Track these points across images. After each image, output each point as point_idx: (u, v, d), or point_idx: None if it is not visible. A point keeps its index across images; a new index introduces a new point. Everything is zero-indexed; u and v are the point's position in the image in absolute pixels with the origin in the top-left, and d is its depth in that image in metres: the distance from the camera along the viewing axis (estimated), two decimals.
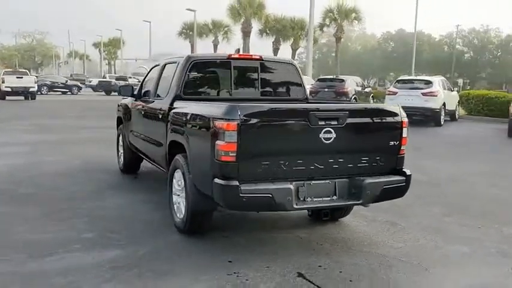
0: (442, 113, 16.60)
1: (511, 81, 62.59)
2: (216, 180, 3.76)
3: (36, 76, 33.81)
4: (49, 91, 38.30)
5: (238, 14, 42.08)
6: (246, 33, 42.71)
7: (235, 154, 3.71)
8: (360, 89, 22.40)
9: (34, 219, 5.05)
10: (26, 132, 12.59)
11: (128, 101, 7.01)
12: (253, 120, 3.76)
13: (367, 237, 4.70)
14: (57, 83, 40.68)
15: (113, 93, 41.42)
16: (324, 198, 4.04)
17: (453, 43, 68.68)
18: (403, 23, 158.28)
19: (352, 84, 21.40)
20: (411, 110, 12.54)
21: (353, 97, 20.49)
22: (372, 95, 24.78)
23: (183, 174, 4.42)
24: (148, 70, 6.84)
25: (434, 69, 57.20)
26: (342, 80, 21.10)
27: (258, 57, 5.56)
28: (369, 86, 29.70)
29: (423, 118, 15.89)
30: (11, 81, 26.49)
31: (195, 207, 4.32)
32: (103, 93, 41.90)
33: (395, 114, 4.27)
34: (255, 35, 43.93)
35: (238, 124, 3.68)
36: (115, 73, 65.06)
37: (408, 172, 4.31)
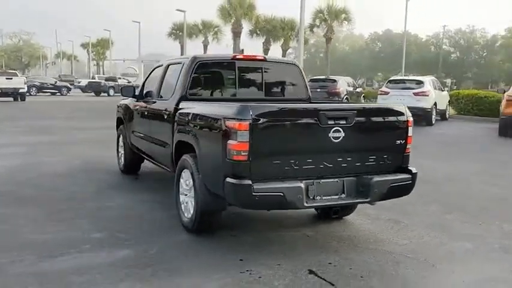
0: (434, 112, 16.82)
1: (496, 81, 63.48)
2: (228, 179, 3.81)
3: (25, 77, 33.42)
4: (38, 92, 37.93)
5: (228, 14, 42.09)
6: (236, 34, 42.73)
7: (247, 153, 3.76)
8: (351, 89, 22.58)
9: (39, 220, 5.05)
10: (21, 133, 12.50)
11: (129, 101, 7.02)
12: (265, 120, 3.82)
13: (372, 235, 4.78)
14: (46, 84, 40.30)
15: (102, 94, 41.23)
16: (333, 197, 4.12)
17: (440, 43, 69.43)
18: (389, 23, 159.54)
19: (343, 84, 21.58)
20: None
21: (345, 97, 20.66)
22: (363, 95, 25.01)
23: (192, 174, 4.46)
24: (151, 71, 6.85)
25: (422, 69, 57.82)
26: (334, 81, 21.27)
27: (261, 58, 5.64)
28: (360, 86, 29.92)
29: (415, 118, 15.96)
30: (0, 82, 26.19)
31: (205, 207, 4.37)
32: (92, 94, 41.60)
33: (401, 114, 4.37)
34: (246, 35, 44.00)
35: (250, 124, 3.73)
36: (103, 74, 64.57)
37: (414, 170, 4.41)
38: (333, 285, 3.57)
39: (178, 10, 41.66)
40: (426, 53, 68.61)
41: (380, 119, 4.36)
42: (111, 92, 40.95)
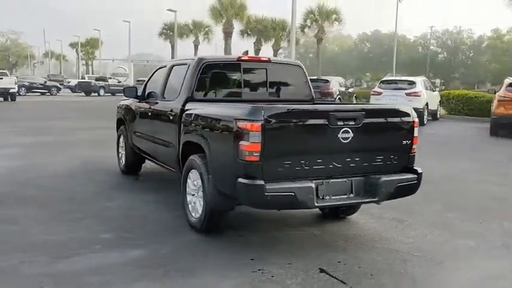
0: (426, 112, 17.02)
1: (483, 81, 64.24)
2: (241, 179, 3.85)
3: (16, 77, 33.09)
4: (28, 92, 37.55)
5: (219, 14, 42.09)
6: (227, 34, 42.74)
7: (259, 154, 3.81)
8: (343, 89, 22.76)
9: (45, 220, 5.05)
10: (17, 134, 12.39)
11: (130, 102, 7.03)
12: (276, 121, 3.87)
13: (377, 234, 4.86)
14: (35, 83, 39.95)
15: (92, 93, 40.96)
16: (342, 196, 4.19)
17: (427, 44, 70.07)
18: (377, 24, 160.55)
19: (336, 84, 21.72)
20: None
21: (337, 97, 20.79)
22: (355, 95, 25.24)
23: (201, 174, 4.49)
24: (153, 71, 6.86)
25: (410, 69, 58.24)
26: (327, 81, 21.39)
27: (266, 59, 5.69)
28: (352, 87, 30.17)
29: None
30: None
31: (214, 207, 4.41)
32: (82, 94, 41.31)
33: (407, 115, 4.45)
34: (237, 35, 44.07)
35: (262, 125, 3.79)
36: (92, 73, 64.10)
37: (420, 170, 4.49)
38: (344, 283, 3.64)
39: (169, 10, 41.58)
40: (414, 53, 69.24)
41: (387, 119, 4.44)
42: (102, 91, 40.75)
